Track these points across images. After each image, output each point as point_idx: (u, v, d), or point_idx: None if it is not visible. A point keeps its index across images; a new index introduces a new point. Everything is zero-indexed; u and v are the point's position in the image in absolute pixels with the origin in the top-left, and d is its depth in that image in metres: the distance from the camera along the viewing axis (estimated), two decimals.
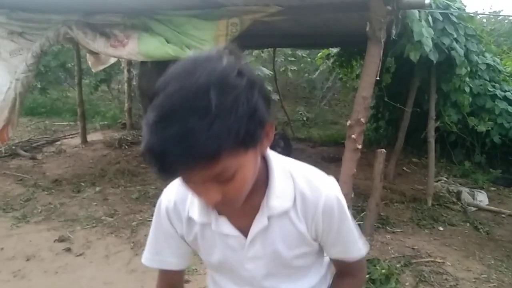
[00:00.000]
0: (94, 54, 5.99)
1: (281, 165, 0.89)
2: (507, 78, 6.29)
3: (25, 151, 6.04)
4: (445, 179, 5.54)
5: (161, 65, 4.75)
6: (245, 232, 0.90)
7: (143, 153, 0.65)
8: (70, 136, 7.30)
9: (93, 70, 7.05)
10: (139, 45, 3.73)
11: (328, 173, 0.94)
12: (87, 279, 2.84)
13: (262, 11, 3.38)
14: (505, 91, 5.97)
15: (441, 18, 4.15)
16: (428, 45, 3.71)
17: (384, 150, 3.71)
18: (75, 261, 3.08)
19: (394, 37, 3.32)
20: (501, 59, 6.74)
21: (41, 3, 3.88)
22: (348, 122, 3.31)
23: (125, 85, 8.12)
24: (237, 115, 0.63)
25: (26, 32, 4.37)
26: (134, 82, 8.30)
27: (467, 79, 5.01)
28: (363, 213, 3.56)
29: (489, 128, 5.59)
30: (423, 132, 5.00)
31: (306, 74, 11.63)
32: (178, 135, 0.61)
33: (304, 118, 10.21)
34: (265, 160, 0.87)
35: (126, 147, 6.53)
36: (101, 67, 6.80)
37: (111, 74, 9.78)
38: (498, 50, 7.45)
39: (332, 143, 7.46)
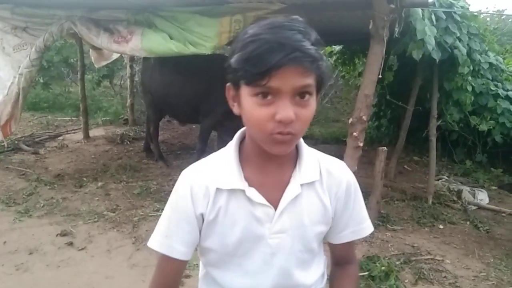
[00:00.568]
0: (97, 49, 6.01)
1: (307, 146, 0.99)
2: (510, 77, 6.28)
3: (27, 145, 6.07)
4: (446, 177, 5.54)
5: (163, 61, 4.80)
6: (273, 205, 0.93)
7: (253, 50, 0.76)
8: (73, 131, 7.32)
9: (96, 66, 7.06)
10: (142, 41, 3.74)
11: None
12: (88, 273, 2.87)
13: (266, 8, 3.39)
14: (508, 90, 5.95)
15: (444, 17, 4.14)
16: (431, 43, 3.71)
17: (385, 148, 3.73)
18: (77, 255, 3.10)
19: (397, 36, 3.32)
20: (504, 58, 6.73)
21: None
22: (350, 120, 3.33)
23: (128, 81, 8.13)
24: (321, 53, 0.80)
25: (30, 27, 4.39)
26: (136, 78, 8.32)
27: (470, 78, 5.00)
28: None
29: (491, 127, 5.58)
30: (425, 131, 5.00)
31: None
32: (291, 36, 0.75)
33: None
34: None
35: (128, 142, 6.55)
36: (104, 63, 6.81)
37: (114, 69, 9.79)
38: (501, 49, 7.43)
39: (333, 140, 7.47)
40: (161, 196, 4.32)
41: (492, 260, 3.36)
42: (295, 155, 0.96)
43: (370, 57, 3.22)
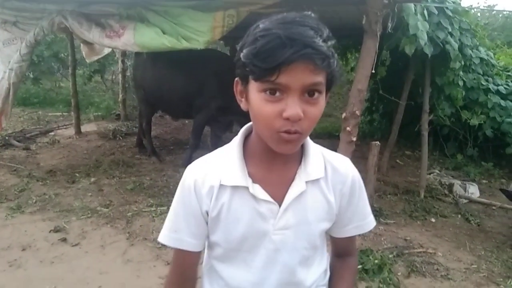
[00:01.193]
0: (88, 44, 5.94)
1: (312, 143, 0.98)
2: (500, 72, 6.35)
3: (18, 141, 6.01)
4: (438, 171, 5.60)
5: (156, 56, 4.77)
6: (278, 201, 0.93)
7: (263, 44, 0.75)
8: (64, 126, 7.26)
9: (87, 61, 6.99)
10: (135, 36, 3.71)
11: None
12: (82, 269, 2.86)
13: (259, 3, 3.38)
14: (498, 85, 6.02)
15: (436, 12, 4.16)
16: (423, 38, 3.72)
17: (378, 142, 3.75)
18: (71, 251, 3.09)
19: (390, 31, 3.33)
20: (494, 54, 6.79)
21: None
22: (343, 115, 3.34)
23: (119, 76, 8.07)
24: (333, 51, 0.79)
25: (20, 21, 4.34)
26: (128, 73, 8.26)
27: (461, 73, 5.04)
28: None
29: (482, 122, 5.64)
30: (417, 125, 5.04)
31: None
32: (302, 32, 0.75)
33: None
34: None
35: (121, 138, 6.52)
36: (95, 58, 6.74)
37: (105, 64, 9.72)
38: (491, 44, 7.49)
39: (326, 135, 7.48)
40: (155, 192, 4.32)
41: (483, 253, 3.40)
42: (300, 152, 0.96)
43: (363, 52, 3.22)
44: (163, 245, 3.18)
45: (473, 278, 3.00)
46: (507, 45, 9.27)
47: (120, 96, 7.98)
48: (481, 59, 5.76)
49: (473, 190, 4.89)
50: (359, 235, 1.09)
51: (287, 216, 0.93)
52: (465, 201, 4.64)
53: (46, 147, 5.95)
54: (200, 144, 5.19)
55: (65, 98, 9.23)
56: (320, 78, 0.78)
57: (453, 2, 4.53)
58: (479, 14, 11.45)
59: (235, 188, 0.92)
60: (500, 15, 12.12)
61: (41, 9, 4.16)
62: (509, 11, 12.42)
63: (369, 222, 1.06)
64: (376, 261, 2.97)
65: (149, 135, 5.64)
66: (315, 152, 0.97)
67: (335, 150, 1.06)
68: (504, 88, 6.00)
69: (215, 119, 4.94)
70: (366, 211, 1.05)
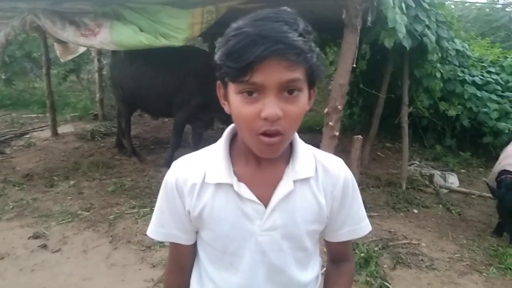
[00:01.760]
0: (63, 43, 5.78)
1: (302, 142, 0.95)
2: (475, 63, 6.48)
3: None
4: (418, 162, 5.69)
5: (134, 54, 4.66)
6: (264, 202, 0.90)
7: (234, 44, 0.73)
8: (40, 128, 7.06)
9: (62, 60, 6.81)
10: (111, 34, 3.62)
11: None
12: (65, 276, 2.78)
13: None
14: (474, 76, 6.15)
15: (413, 5, 4.19)
16: (402, 31, 3.74)
17: (360, 136, 3.77)
18: (52, 258, 3.00)
19: (369, 24, 3.34)
20: (469, 45, 6.91)
21: None
22: (326, 110, 3.34)
23: (96, 75, 7.89)
24: (312, 46, 0.76)
25: None
26: (105, 72, 8.08)
27: (438, 65, 5.11)
28: None
29: (459, 113, 5.75)
30: (396, 118, 5.09)
31: None
32: (276, 28, 0.72)
33: None
34: None
35: (99, 138, 6.38)
36: (70, 57, 6.57)
37: (80, 64, 9.49)
38: (466, 36, 7.63)
39: (307, 130, 7.50)
40: (137, 193, 4.24)
41: (465, 242, 3.47)
42: (289, 151, 0.92)
43: (344, 46, 3.22)
44: (148, 248, 3.14)
45: (457, 267, 3.05)
46: (480, 36, 9.47)
47: (98, 95, 7.80)
48: (457, 51, 5.85)
49: (453, 180, 4.99)
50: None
51: (274, 217, 0.90)
52: (445, 191, 4.73)
53: (22, 150, 5.77)
54: (182, 143, 5.13)
55: (39, 99, 8.97)
56: (297, 74, 0.75)
57: None
58: (452, 7, 11.64)
59: (218, 185, 0.89)
60: (473, 7, 12.36)
61: (12, 7, 4.02)
62: (482, 3, 12.69)
63: (364, 226, 1.01)
64: (362, 254, 2.99)
65: (129, 134, 5.53)
66: (305, 151, 0.94)
67: (317, 145, 1.03)
68: (480, 79, 6.13)
69: (196, 116, 4.88)
70: (361, 215, 1.01)
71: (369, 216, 3.42)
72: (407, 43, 4.04)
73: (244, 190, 0.89)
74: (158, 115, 5.99)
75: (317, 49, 0.78)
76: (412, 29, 4.15)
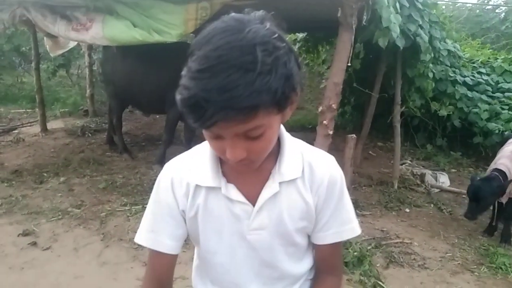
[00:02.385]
0: (53, 37, 5.68)
1: (290, 139, 0.94)
2: (466, 64, 6.54)
3: None
4: (409, 162, 5.72)
5: (126, 49, 4.59)
6: (252, 201, 0.90)
7: (183, 101, 0.68)
8: (29, 124, 6.96)
9: (51, 55, 6.70)
10: (103, 29, 3.57)
11: None
12: (55, 274, 2.73)
13: None
14: (465, 76, 6.21)
15: (407, 5, 4.20)
16: (396, 31, 3.75)
17: (354, 135, 3.78)
18: (42, 256, 2.95)
19: (364, 23, 3.34)
20: (460, 46, 6.98)
21: None
22: (320, 108, 3.33)
23: (86, 70, 7.79)
24: (277, 75, 0.67)
25: None
26: (95, 67, 7.99)
27: (431, 65, 5.14)
28: None
29: (450, 113, 5.80)
30: (389, 117, 5.11)
31: None
32: (222, 85, 0.64)
33: None
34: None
35: (90, 135, 6.32)
36: (60, 52, 6.45)
37: (70, 59, 9.36)
38: (458, 36, 7.70)
39: (299, 128, 7.52)
40: (128, 190, 4.19)
41: (456, 241, 3.50)
42: (277, 149, 0.91)
43: (339, 45, 3.22)
44: (140, 245, 3.10)
45: (449, 266, 3.07)
46: (471, 37, 9.57)
47: (88, 91, 7.71)
48: (449, 51, 5.89)
49: (444, 180, 5.02)
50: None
51: (262, 216, 0.90)
52: (436, 190, 4.76)
53: (10, 146, 5.68)
54: (174, 140, 5.09)
55: (28, 94, 8.85)
56: (255, 123, 0.70)
57: None
58: (443, 7, 11.73)
59: (210, 188, 0.91)
60: (464, 8, 12.48)
61: (1, 0, 3.93)
62: (472, 4, 12.81)
63: (351, 229, 0.97)
64: (355, 253, 2.99)
65: (120, 131, 5.48)
66: (293, 150, 0.92)
67: (310, 143, 1.01)
68: (471, 79, 6.19)
69: None
70: (348, 217, 0.97)
71: (362, 215, 3.43)
72: (400, 43, 4.05)
73: (232, 191, 0.89)
74: (151, 111, 5.94)
75: (289, 61, 0.71)
76: (405, 29, 4.16)
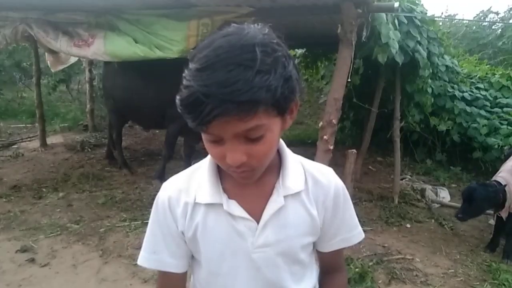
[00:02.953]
0: (54, 53, 5.72)
1: (290, 152, 0.94)
2: (464, 79, 6.59)
3: None
4: (409, 177, 5.71)
5: (127, 65, 4.62)
6: (256, 218, 0.88)
7: (182, 100, 0.69)
8: (28, 139, 6.95)
9: (52, 70, 6.73)
10: (105, 45, 3.60)
11: None
12: None
13: (234, 12, 3.35)
14: (463, 91, 6.25)
15: (406, 21, 4.26)
16: (395, 47, 3.80)
17: (354, 150, 3.78)
18: (40, 272, 2.91)
19: (364, 40, 3.38)
20: (458, 61, 7.04)
21: None
22: (320, 124, 3.34)
23: (87, 86, 7.82)
24: (276, 75, 0.68)
25: None
26: (95, 82, 8.02)
27: (429, 80, 5.18)
28: None
29: (449, 127, 5.82)
30: (388, 132, 5.13)
31: None
32: (222, 80, 0.65)
33: None
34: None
35: (89, 150, 6.30)
36: (61, 67, 6.50)
37: (71, 74, 9.40)
38: (456, 52, 7.78)
39: (299, 143, 7.52)
40: (127, 205, 4.17)
41: (458, 257, 3.47)
42: (278, 163, 0.90)
43: (339, 61, 3.24)
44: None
45: (451, 282, 3.04)
46: (468, 53, 9.67)
47: (88, 106, 7.73)
48: (447, 66, 5.96)
49: (444, 195, 5.01)
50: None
51: (266, 233, 0.88)
52: (437, 205, 4.74)
53: (9, 161, 5.67)
54: (173, 155, 5.08)
55: (28, 109, 8.86)
56: (255, 122, 0.70)
57: (421, 12, 4.65)
58: (441, 23, 11.89)
59: (210, 205, 0.88)
60: (460, 25, 12.64)
61: (3, 16, 3.97)
62: (469, 21, 13.00)
63: (357, 234, 1.00)
64: (357, 269, 2.97)
65: (120, 146, 5.47)
66: (294, 163, 0.92)
67: (310, 158, 1.01)
68: (469, 94, 6.23)
69: (189, 128, 4.82)
70: (353, 223, 0.99)
71: (363, 231, 3.41)
72: (399, 59, 4.10)
73: (234, 208, 0.87)
74: (150, 126, 5.94)
75: (288, 69, 0.72)
76: (404, 45, 4.21)
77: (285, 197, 0.88)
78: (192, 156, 5.01)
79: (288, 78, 0.71)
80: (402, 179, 5.40)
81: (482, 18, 12.75)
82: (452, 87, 6.17)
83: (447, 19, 12.22)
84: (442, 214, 4.47)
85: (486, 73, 6.94)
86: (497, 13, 12.64)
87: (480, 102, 6.17)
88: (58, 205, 4.12)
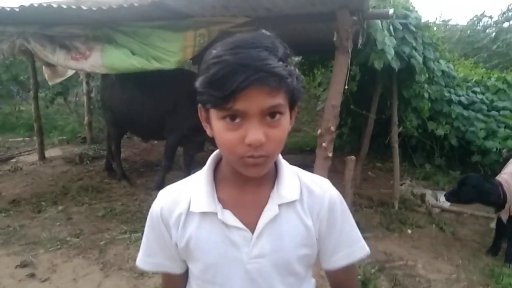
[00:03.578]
0: (51, 66, 5.74)
1: (285, 163, 0.95)
2: (461, 83, 6.62)
3: None
4: (409, 182, 5.71)
5: (125, 77, 4.64)
6: (250, 228, 0.87)
7: (215, 73, 0.73)
8: (26, 152, 6.94)
9: (50, 83, 6.74)
10: (102, 58, 3.61)
11: None
12: None
13: (230, 22, 3.37)
14: (460, 96, 6.28)
15: (401, 27, 4.29)
16: (390, 53, 3.82)
17: (353, 157, 3.78)
18: (40, 287, 2.89)
19: (360, 46, 3.40)
20: (453, 66, 7.08)
21: None
22: (319, 131, 3.34)
23: (84, 98, 7.83)
24: (291, 69, 0.77)
25: None
26: (93, 94, 8.03)
27: (426, 85, 5.21)
28: None
29: (447, 132, 5.84)
30: (386, 137, 5.14)
31: None
32: (256, 56, 0.72)
33: None
34: None
35: (88, 162, 6.29)
36: (59, 80, 6.51)
37: (68, 86, 9.41)
38: (451, 56, 7.82)
39: (297, 150, 7.53)
40: (127, 217, 4.15)
41: (460, 262, 3.46)
42: (274, 174, 0.91)
43: (336, 68, 3.26)
44: (140, 275, 3.05)
45: None
46: (464, 57, 9.73)
47: (86, 118, 7.74)
48: (443, 71, 5.98)
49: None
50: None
51: (262, 243, 0.87)
52: (437, 210, 4.74)
53: (8, 175, 5.65)
54: (173, 165, 5.08)
55: (26, 122, 8.86)
56: (279, 100, 0.75)
57: (415, 18, 4.69)
58: (435, 28, 11.97)
59: (203, 214, 0.87)
60: (455, 29, 12.73)
61: (0, 31, 3.99)
62: (463, 25, 13.09)
63: (360, 248, 0.96)
64: (359, 277, 2.95)
65: (119, 158, 5.47)
66: (290, 173, 0.92)
67: (309, 165, 1.02)
68: (466, 98, 6.27)
69: (188, 139, 4.85)
70: (354, 236, 0.96)
71: (364, 237, 3.38)
72: (395, 65, 4.12)
73: (229, 217, 0.87)
74: (149, 138, 5.95)
75: (297, 71, 0.79)
76: (400, 51, 4.24)
77: (280, 206, 0.88)
78: (192, 166, 5.01)
79: (298, 80, 0.78)
80: (401, 184, 5.40)
81: (476, 22, 12.86)
82: (449, 92, 6.20)
83: (441, 24, 12.32)
84: (442, 218, 4.47)
85: (482, 77, 6.99)
86: (490, 17, 12.74)
87: (477, 105, 6.21)
88: (58, 219, 4.10)
